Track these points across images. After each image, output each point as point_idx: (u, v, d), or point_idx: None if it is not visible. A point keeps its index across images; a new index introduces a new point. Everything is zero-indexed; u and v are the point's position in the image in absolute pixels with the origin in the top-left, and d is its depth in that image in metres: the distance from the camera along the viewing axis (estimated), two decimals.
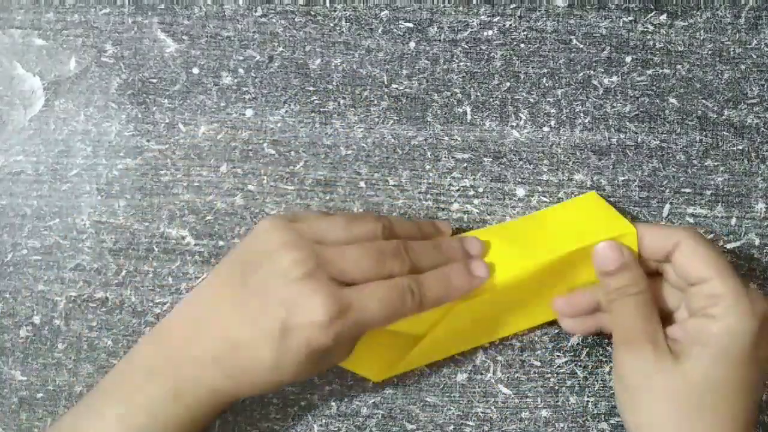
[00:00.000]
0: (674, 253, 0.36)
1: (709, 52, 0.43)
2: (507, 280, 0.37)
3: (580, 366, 0.42)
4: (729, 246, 0.42)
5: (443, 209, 0.42)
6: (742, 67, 0.43)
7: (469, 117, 0.43)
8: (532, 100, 0.43)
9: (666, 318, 0.37)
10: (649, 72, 0.43)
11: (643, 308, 0.36)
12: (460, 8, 0.43)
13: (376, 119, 0.43)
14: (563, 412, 0.41)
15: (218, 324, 0.34)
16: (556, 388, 0.41)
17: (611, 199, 0.42)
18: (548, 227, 0.39)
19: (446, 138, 0.43)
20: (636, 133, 0.43)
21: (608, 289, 0.36)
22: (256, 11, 0.43)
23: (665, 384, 0.34)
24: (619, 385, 0.36)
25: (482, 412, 0.41)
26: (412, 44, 0.43)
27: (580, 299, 0.38)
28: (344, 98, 0.43)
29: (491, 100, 0.43)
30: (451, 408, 0.41)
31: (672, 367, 0.34)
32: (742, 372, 0.34)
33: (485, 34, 0.43)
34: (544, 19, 0.43)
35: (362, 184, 0.42)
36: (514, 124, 0.43)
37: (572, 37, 0.43)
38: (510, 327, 0.40)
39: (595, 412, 0.41)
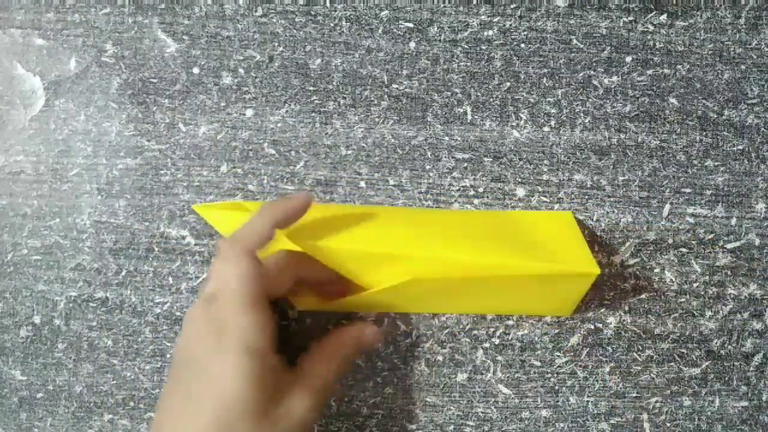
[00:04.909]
0: None
1: (709, 52, 0.43)
2: (452, 269, 0.36)
3: (580, 366, 0.42)
4: (729, 246, 0.42)
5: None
6: (742, 67, 0.43)
7: (469, 117, 0.43)
8: (532, 100, 0.43)
9: None
10: (650, 72, 0.43)
11: None
12: (460, 8, 0.43)
13: (377, 119, 0.43)
14: (563, 412, 0.41)
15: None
16: (556, 388, 0.41)
17: (611, 199, 0.42)
18: (515, 238, 0.39)
19: (446, 138, 0.43)
20: (636, 133, 0.43)
21: None
22: (256, 11, 0.43)
23: None
24: None
25: (482, 412, 0.41)
26: (412, 44, 0.43)
27: None
28: (344, 98, 0.43)
29: (491, 100, 0.43)
30: (451, 408, 0.41)
31: None
32: None
33: (485, 34, 0.43)
34: (544, 19, 0.43)
35: (362, 184, 0.42)
36: (515, 124, 0.43)
37: (572, 37, 0.43)
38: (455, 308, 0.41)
39: (595, 412, 0.41)
